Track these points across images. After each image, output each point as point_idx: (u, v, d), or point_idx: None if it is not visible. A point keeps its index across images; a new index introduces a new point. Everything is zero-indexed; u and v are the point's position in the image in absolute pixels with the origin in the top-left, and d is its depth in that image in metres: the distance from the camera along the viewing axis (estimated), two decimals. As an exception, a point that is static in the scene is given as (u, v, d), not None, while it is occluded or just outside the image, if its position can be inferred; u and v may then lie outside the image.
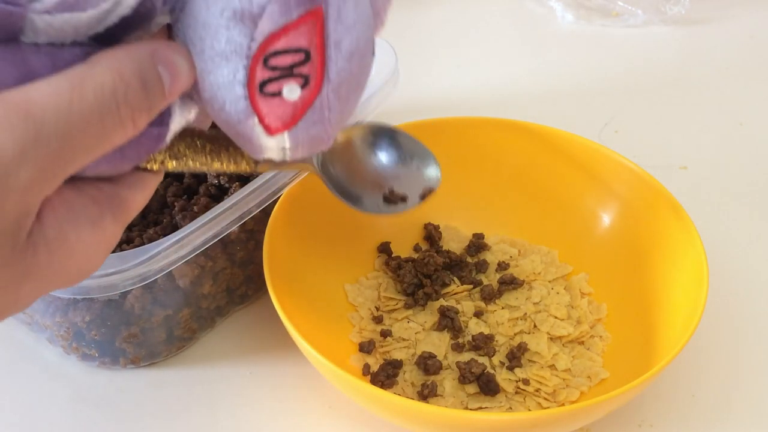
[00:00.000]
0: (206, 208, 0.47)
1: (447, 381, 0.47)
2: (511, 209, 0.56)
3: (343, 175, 0.37)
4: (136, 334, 0.47)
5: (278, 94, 0.28)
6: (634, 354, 0.47)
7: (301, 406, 0.48)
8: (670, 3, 0.83)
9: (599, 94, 0.74)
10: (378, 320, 0.51)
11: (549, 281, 0.53)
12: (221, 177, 0.50)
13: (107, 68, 0.25)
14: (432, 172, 0.38)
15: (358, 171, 0.37)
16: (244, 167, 0.32)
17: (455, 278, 0.53)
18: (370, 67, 0.30)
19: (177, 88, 0.27)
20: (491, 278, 0.54)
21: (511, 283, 0.52)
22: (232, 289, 0.50)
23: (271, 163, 0.32)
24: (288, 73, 0.28)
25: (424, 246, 0.56)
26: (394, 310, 0.52)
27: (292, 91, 0.28)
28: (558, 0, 0.86)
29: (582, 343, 0.49)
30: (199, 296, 0.48)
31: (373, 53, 0.31)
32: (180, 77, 0.27)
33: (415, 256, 0.55)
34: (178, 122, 0.29)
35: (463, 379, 0.46)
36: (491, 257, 0.55)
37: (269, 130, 0.29)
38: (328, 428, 0.47)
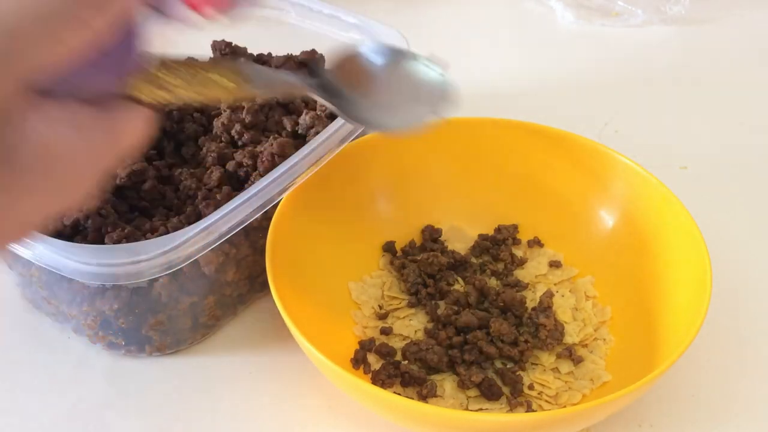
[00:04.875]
0: (229, 197, 0.49)
1: (447, 382, 0.47)
2: (517, 211, 0.57)
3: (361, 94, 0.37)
4: (162, 322, 0.49)
5: None
6: (637, 357, 0.47)
7: (312, 393, 0.49)
8: (670, 3, 0.84)
9: (599, 93, 0.75)
10: (380, 318, 0.52)
11: (554, 284, 0.54)
12: (241, 167, 0.52)
13: None
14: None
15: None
16: (232, 92, 0.33)
17: (459, 278, 0.54)
18: None
19: None
20: (495, 280, 0.54)
21: (515, 286, 0.52)
22: (253, 276, 0.52)
23: (259, 88, 0.34)
24: None
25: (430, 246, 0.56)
26: (398, 308, 0.53)
27: None
28: (558, 0, 0.86)
29: (585, 346, 0.50)
30: (223, 283, 0.50)
31: None
32: None
33: (419, 256, 0.55)
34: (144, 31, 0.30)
35: (462, 385, 0.46)
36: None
37: (204, 14, 0.32)
38: (328, 425, 0.48)
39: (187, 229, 0.44)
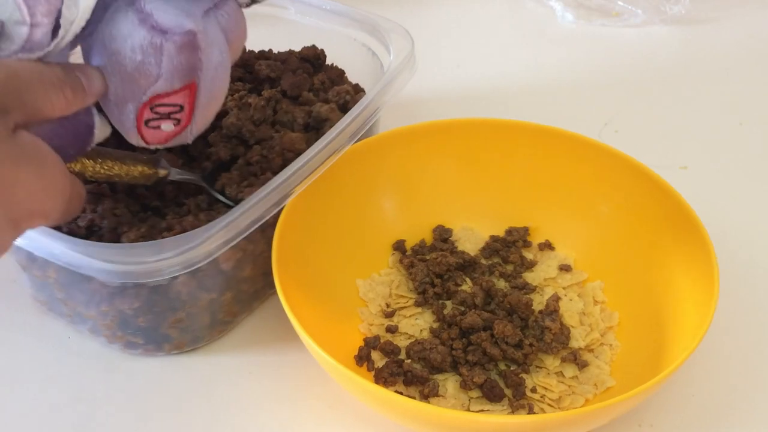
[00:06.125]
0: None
1: (450, 382, 0.47)
2: (530, 213, 0.58)
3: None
4: (182, 319, 0.49)
5: (158, 127, 0.44)
6: (642, 363, 0.48)
7: (328, 390, 0.49)
8: (670, 3, 0.84)
9: (599, 93, 0.76)
10: (387, 316, 0.53)
11: (563, 288, 0.54)
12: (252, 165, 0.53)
13: (55, 65, 0.40)
14: None
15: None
16: (140, 176, 0.49)
17: (467, 279, 0.54)
18: (224, 98, 0.47)
19: (92, 87, 0.41)
20: (503, 282, 0.55)
21: (523, 288, 0.52)
22: (268, 272, 0.52)
23: (164, 173, 0.50)
24: (166, 116, 0.44)
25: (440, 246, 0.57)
26: (404, 307, 0.53)
27: (167, 126, 0.44)
28: (558, 0, 0.86)
29: (591, 351, 0.50)
30: (240, 279, 0.51)
31: (227, 87, 0.46)
32: (93, 80, 0.41)
33: (428, 255, 0.56)
34: (99, 126, 0.44)
35: (464, 385, 0.46)
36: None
37: (149, 144, 0.45)
38: (339, 423, 0.48)
39: (209, 225, 0.44)
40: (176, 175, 0.51)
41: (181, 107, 0.44)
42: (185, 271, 0.44)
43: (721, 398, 0.49)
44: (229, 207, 0.51)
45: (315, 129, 0.56)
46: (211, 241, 0.44)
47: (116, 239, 0.49)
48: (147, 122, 0.44)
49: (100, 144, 0.45)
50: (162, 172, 0.50)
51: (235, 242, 0.45)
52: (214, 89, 0.44)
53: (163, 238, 0.47)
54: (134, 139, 0.45)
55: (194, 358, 0.51)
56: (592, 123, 0.70)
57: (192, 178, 0.53)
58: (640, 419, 0.48)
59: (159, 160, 0.50)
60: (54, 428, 0.48)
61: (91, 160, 0.45)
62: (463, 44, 0.83)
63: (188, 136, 0.46)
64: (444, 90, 0.75)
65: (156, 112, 0.43)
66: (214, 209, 0.52)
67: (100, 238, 0.49)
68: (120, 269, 0.43)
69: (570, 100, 0.75)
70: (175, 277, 0.46)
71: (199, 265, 0.44)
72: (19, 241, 0.45)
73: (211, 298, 0.50)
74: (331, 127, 0.52)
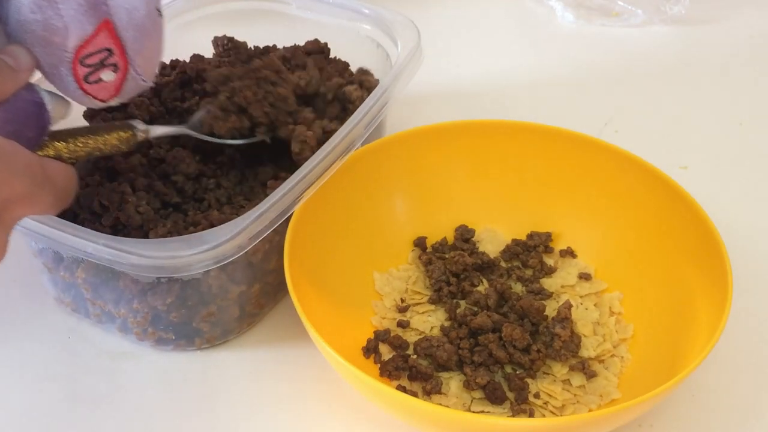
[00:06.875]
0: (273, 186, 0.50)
1: (454, 381, 0.47)
2: (555, 219, 0.58)
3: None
4: (213, 313, 0.50)
5: (99, 80, 0.43)
6: (650, 378, 0.47)
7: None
8: (670, 3, 0.84)
9: (599, 93, 0.76)
10: (400, 311, 0.53)
11: (581, 296, 0.54)
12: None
13: None
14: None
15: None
16: (119, 142, 0.47)
17: (484, 280, 0.55)
18: (160, 31, 0.45)
19: (20, 63, 0.41)
20: (520, 286, 0.55)
21: (538, 294, 0.53)
22: None
23: (139, 135, 0.48)
24: (101, 65, 0.43)
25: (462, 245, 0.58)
26: (419, 303, 0.54)
27: (108, 75, 0.43)
28: (558, 0, 0.86)
29: (602, 361, 0.50)
30: (266, 271, 0.52)
31: (159, 15, 0.45)
32: (18, 56, 0.41)
33: (448, 254, 0.56)
34: (52, 102, 0.42)
35: (468, 385, 0.46)
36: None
37: (102, 101, 0.44)
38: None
39: (240, 218, 0.45)
40: (157, 131, 0.50)
41: (110, 50, 0.43)
42: (218, 265, 0.44)
43: (721, 398, 0.49)
44: (221, 145, 0.52)
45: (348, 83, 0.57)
46: (244, 234, 0.45)
47: (143, 237, 0.49)
48: (86, 78, 0.43)
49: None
50: (140, 133, 0.49)
51: (265, 234, 0.46)
52: (136, 19, 0.43)
53: (191, 233, 0.47)
54: (87, 101, 0.44)
55: (225, 352, 0.52)
56: (592, 123, 0.71)
57: (174, 130, 0.52)
58: (640, 419, 0.48)
59: (133, 122, 0.49)
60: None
61: (62, 142, 0.44)
62: (463, 44, 0.83)
63: (139, 81, 0.45)
64: (444, 89, 0.76)
65: (88, 65, 0.42)
66: (234, 203, 0.52)
67: (127, 236, 0.49)
68: (156, 264, 0.43)
69: (570, 100, 0.75)
70: (207, 271, 0.47)
71: (232, 258, 0.45)
72: (49, 242, 0.45)
73: (241, 291, 0.50)
74: (357, 101, 0.53)
